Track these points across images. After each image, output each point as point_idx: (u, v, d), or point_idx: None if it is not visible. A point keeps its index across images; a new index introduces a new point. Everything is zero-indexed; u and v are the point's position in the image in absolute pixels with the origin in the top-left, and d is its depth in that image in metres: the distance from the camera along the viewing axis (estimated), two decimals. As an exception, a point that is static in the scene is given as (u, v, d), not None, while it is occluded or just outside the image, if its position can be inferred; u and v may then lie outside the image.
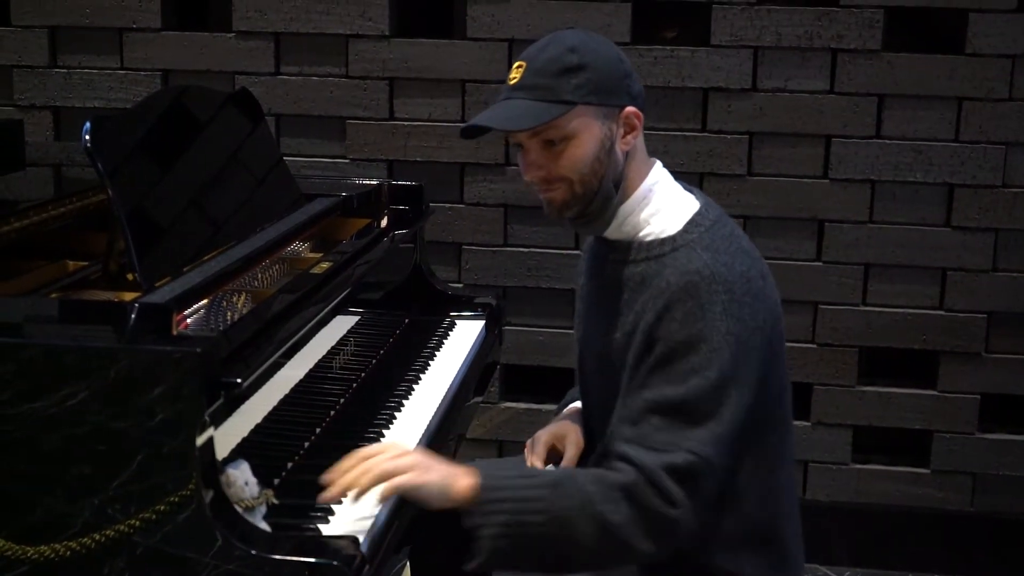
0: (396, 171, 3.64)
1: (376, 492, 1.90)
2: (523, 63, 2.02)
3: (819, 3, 3.45)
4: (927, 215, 3.52)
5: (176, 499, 1.70)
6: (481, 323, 2.99)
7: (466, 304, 3.06)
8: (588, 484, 1.94)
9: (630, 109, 2.02)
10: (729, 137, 3.50)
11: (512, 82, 2.02)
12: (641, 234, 2.05)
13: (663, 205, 2.06)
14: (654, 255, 2.02)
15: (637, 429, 1.95)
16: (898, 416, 3.63)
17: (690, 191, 2.12)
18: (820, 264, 3.55)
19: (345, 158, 3.67)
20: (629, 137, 2.03)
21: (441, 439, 2.36)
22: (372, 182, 3.01)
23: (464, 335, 2.90)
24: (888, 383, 3.65)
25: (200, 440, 1.69)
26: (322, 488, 1.91)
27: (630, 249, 2.06)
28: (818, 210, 3.54)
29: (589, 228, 2.12)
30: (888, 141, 3.48)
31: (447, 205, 3.63)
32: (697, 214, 2.05)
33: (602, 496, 1.92)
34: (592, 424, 2.27)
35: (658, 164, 2.12)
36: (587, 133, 1.99)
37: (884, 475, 3.66)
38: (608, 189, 2.03)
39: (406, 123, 3.64)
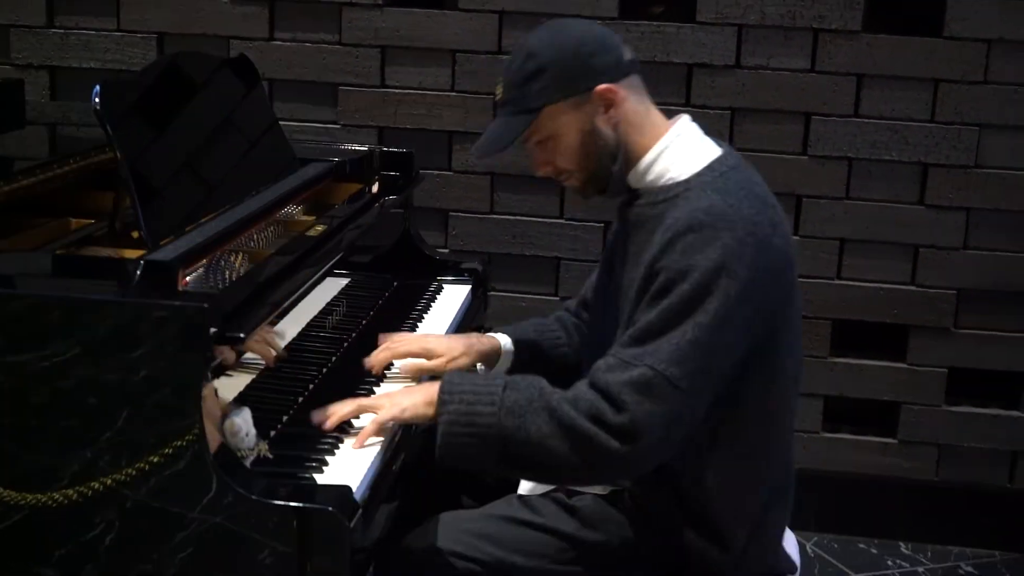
0: (386, 138, 3.72)
1: (371, 439, 2.09)
2: (500, 80, 2.18)
3: (802, -17, 3.54)
4: (901, 193, 3.62)
5: (180, 448, 1.79)
6: (468, 288, 3.08)
7: (453, 269, 3.14)
8: (540, 383, 2.07)
9: (601, 87, 2.11)
10: (712, 112, 3.58)
11: (497, 100, 2.19)
12: (661, 181, 2.15)
13: (682, 154, 2.15)
14: (670, 196, 2.11)
15: (616, 347, 2.05)
16: (868, 387, 3.73)
17: (718, 143, 2.20)
18: (797, 238, 3.64)
19: (336, 124, 3.75)
20: (612, 111, 2.13)
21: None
22: (364, 148, 3.09)
23: (451, 299, 2.99)
24: (859, 355, 3.75)
25: (206, 390, 1.78)
26: (315, 439, 2.02)
27: (650, 193, 2.16)
28: (796, 185, 3.63)
29: (614, 194, 2.23)
30: (866, 120, 3.58)
31: (435, 172, 3.71)
32: (715, 160, 2.14)
33: (553, 393, 2.03)
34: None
35: (682, 119, 2.21)
36: (565, 127, 2.13)
37: (853, 444, 3.78)
38: (606, 165, 2.15)
39: (397, 91, 3.71)
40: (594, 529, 2.20)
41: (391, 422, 2.11)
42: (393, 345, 2.42)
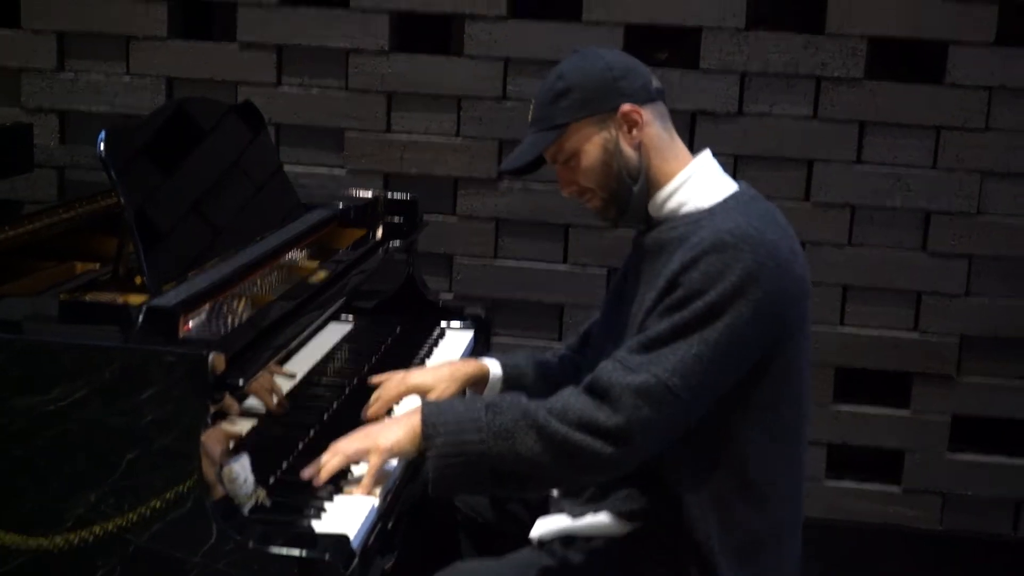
0: (391, 183, 3.74)
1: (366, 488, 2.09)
2: (533, 99, 2.25)
3: (805, 31, 3.56)
4: (904, 240, 3.63)
5: (178, 495, 1.80)
6: (470, 333, 3.09)
7: (456, 315, 3.15)
8: (522, 400, 2.10)
9: (626, 107, 2.17)
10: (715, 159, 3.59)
11: (529, 119, 2.25)
12: (683, 210, 2.19)
13: (704, 185, 2.20)
14: (693, 220, 2.16)
15: (623, 351, 2.08)
16: (871, 435, 3.73)
17: (735, 180, 2.26)
18: (800, 285, 3.64)
19: (343, 169, 3.77)
20: (634, 132, 2.18)
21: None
22: (368, 194, 3.11)
23: (453, 344, 3.00)
24: (862, 403, 3.75)
25: (204, 437, 1.79)
26: (314, 486, 2.03)
27: (670, 221, 2.20)
28: (799, 232, 3.52)
29: (634, 223, 2.28)
30: (868, 167, 3.60)
31: (440, 217, 3.73)
32: (738, 191, 2.20)
33: (539, 409, 2.06)
34: None
35: (704, 153, 2.26)
36: (588, 144, 2.19)
37: (856, 493, 3.76)
38: (626, 185, 2.19)
39: (402, 136, 3.74)
40: (614, 570, 2.20)
41: (384, 463, 2.11)
42: (384, 393, 2.40)
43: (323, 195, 3.10)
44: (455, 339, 3.04)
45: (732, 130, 3.62)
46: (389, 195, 3.13)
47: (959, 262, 3.61)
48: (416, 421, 2.10)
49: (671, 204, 2.21)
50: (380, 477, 2.11)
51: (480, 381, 2.50)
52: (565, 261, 3.75)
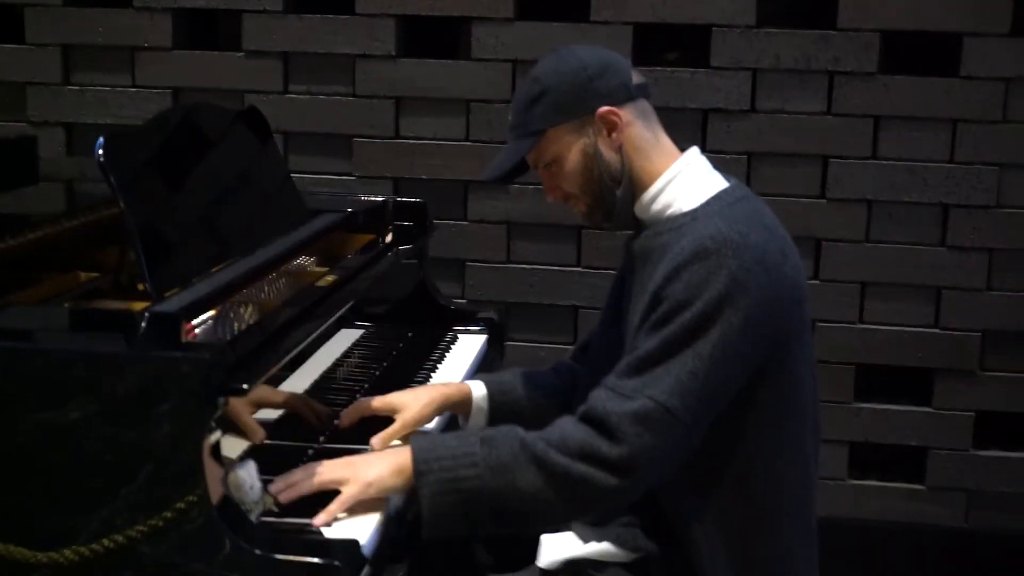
0: (401, 189, 3.71)
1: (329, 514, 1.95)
2: (512, 103, 2.19)
3: (817, 26, 3.52)
4: (923, 235, 3.57)
5: (184, 503, 1.76)
6: (483, 338, 3.05)
7: (469, 319, 3.11)
8: (518, 432, 2.00)
9: (603, 109, 2.10)
10: (728, 157, 3.55)
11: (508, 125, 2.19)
12: (668, 212, 2.12)
13: (689, 185, 2.13)
14: (676, 226, 2.08)
15: (613, 377, 2.00)
16: (894, 433, 3.67)
17: (725, 177, 2.18)
18: (818, 282, 3.60)
19: (351, 175, 3.74)
20: (615, 134, 2.11)
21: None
22: (377, 199, 3.08)
23: (466, 349, 2.96)
24: (884, 400, 3.70)
25: (208, 443, 1.75)
26: (326, 492, 1.99)
27: (656, 224, 2.14)
28: (816, 229, 3.60)
29: (623, 226, 2.21)
30: (884, 162, 3.55)
31: (451, 222, 3.70)
32: (723, 191, 2.12)
33: (536, 441, 1.97)
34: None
35: (692, 151, 2.18)
36: (567, 150, 2.13)
37: (880, 491, 3.71)
38: (610, 189, 2.13)
39: (411, 142, 3.70)
40: None
41: (359, 498, 1.98)
42: (360, 404, 2.33)
43: (331, 201, 3.06)
44: (467, 343, 3.00)
45: (745, 128, 3.57)
46: (397, 199, 3.09)
47: (979, 256, 3.55)
48: (405, 457, 2.00)
49: (656, 206, 2.14)
50: (349, 507, 1.97)
51: (463, 403, 2.40)
52: (579, 263, 3.71)
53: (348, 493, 1.97)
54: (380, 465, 2.01)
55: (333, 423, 2.33)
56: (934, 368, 3.63)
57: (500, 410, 2.39)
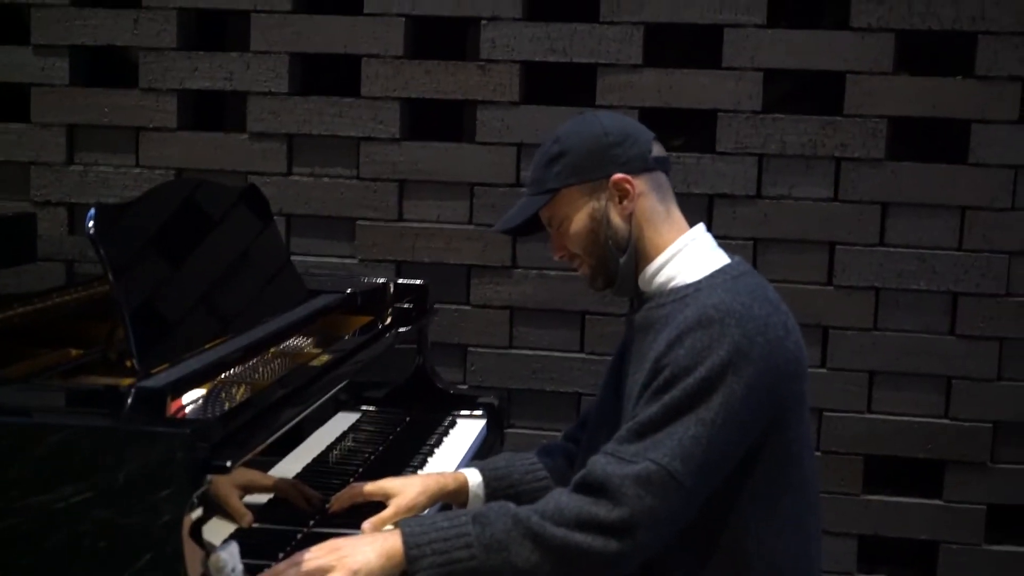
0: (404, 272, 3.67)
1: None
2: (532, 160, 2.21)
3: (823, 112, 3.50)
4: (931, 323, 3.52)
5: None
6: (482, 423, 3.00)
7: (468, 403, 3.06)
8: (509, 508, 1.97)
9: (617, 177, 2.11)
10: (734, 243, 3.52)
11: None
12: (671, 284, 2.12)
13: (693, 259, 2.12)
14: (679, 297, 2.08)
15: (613, 443, 1.99)
16: (904, 526, 3.59)
17: (728, 254, 2.17)
18: (825, 371, 3.54)
19: (354, 258, 3.71)
20: (625, 203, 2.12)
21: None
22: (377, 280, 3.04)
23: (464, 433, 2.90)
24: (893, 492, 3.62)
25: (189, 521, 1.69)
26: None
27: (659, 296, 2.13)
28: (823, 316, 3.55)
29: (625, 293, 2.21)
30: (892, 249, 3.51)
31: (453, 306, 3.66)
32: (727, 266, 2.12)
33: (530, 515, 1.94)
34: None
35: (698, 227, 2.18)
36: (576, 212, 2.14)
37: (890, 586, 3.63)
38: (614, 256, 2.13)
39: (415, 224, 3.68)
40: None
41: None
42: (352, 489, 2.28)
43: (331, 282, 3.03)
44: (466, 428, 2.94)
45: (751, 213, 3.54)
46: (398, 281, 3.06)
47: (989, 345, 3.50)
48: (395, 542, 1.94)
49: (660, 278, 2.13)
50: None
51: (459, 492, 2.34)
52: (582, 349, 3.66)
53: None
54: (368, 551, 1.94)
55: (324, 507, 2.27)
56: (944, 460, 3.55)
57: (496, 496, 2.33)
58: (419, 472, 2.57)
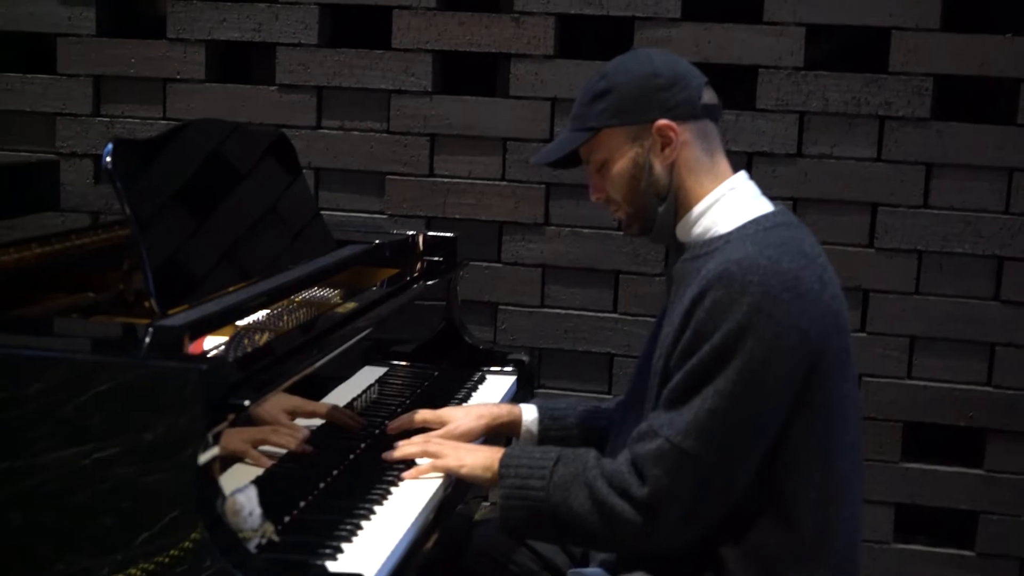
0: (434, 228, 3.57)
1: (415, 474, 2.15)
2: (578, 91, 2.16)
3: (867, 69, 3.39)
4: (975, 288, 3.42)
5: (175, 520, 1.64)
6: (512, 379, 2.93)
7: (498, 359, 3.00)
8: (589, 456, 2.02)
9: (661, 123, 2.02)
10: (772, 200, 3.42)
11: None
12: (708, 234, 2.04)
13: (731, 208, 2.04)
14: (711, 249, 2.00)
15: (658, 410, 1.98)
16: (943, 495, 3.50)
17: (772, 202, 2.09)
18: (864, 335, 3.45)
19: (383, 214, 3.64)
20: (667, 151, 2.03)
21: (459, 494, 2.27)
22: (406, 232, 2.97)
23: (493, 389, 2.84)
24: (933, 460, 3.53)
25: (203, 459, 1.63)
26: (333, 525, 1.90)
27: (694, 247, 2.06)
28: (863, 280, 3.45)
29: (661, 241, 2.20)
30: (936, 211, 3.40)
31: (484, 264, 3.58)
32: (763, 215, 2.03)
33: (596, 467, 1.99)
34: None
35: (739, 175, 2.10)
36: (618, 154, 2.07)
37: (927, 557, 3.53)
38: (653, 204, 2.06)
39: (446, 180, 3.60)
40: None
41: (450, 472, 2.14)
42: (411, 414, 2.39)
43: (359, 233, 2.97)
44: (495, 384, 2.87)
45: (791, 172, 3.44)
46: (427, 233, 2.99)
47: (1035, 311, 3.40)
48: (496, 456, 2.08)
49: (697, 229, 2.05)
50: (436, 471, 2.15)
51: (513, 424, 2.42)
52: (615, 310, 3.57)
53: (444, 462, 2.14)
54: (478, 458, 2.13)
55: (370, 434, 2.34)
56: (986, 428, 3.45)
57: (549, 436, 2.41)
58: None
